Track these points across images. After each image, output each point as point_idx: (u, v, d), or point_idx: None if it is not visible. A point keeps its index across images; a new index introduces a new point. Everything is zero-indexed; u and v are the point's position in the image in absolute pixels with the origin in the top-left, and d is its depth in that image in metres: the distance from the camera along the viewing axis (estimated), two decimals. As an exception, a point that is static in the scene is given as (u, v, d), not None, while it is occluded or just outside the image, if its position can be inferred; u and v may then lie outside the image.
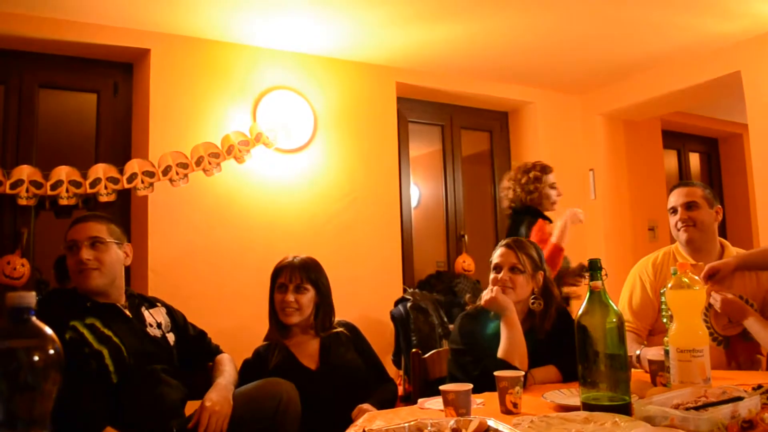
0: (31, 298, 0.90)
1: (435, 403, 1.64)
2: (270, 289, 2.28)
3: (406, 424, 1.19)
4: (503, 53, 3.89)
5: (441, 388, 1.49)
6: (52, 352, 0.87)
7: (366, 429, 1.20)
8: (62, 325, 1.87)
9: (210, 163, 3.24)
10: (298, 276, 2.24)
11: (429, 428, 1.18)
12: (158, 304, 2.16)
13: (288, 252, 2.36)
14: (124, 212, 3.31)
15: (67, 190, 2.96)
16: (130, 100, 3.47)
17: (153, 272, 3.14)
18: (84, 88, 3.41)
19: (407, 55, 3.84)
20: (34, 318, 0.89)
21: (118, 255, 2.06)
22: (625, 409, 1.33)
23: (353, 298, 3.40)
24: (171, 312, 2.17)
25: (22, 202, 2.91)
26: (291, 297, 2.20)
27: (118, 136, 3.41)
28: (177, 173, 3.15)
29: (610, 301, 1.45)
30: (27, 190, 2.89)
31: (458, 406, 1.43)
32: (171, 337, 2.10)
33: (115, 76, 3.46)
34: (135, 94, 3.46)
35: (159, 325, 2.09)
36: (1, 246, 3.03)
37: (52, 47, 3.21)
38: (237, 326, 2.97)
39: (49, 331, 0.89)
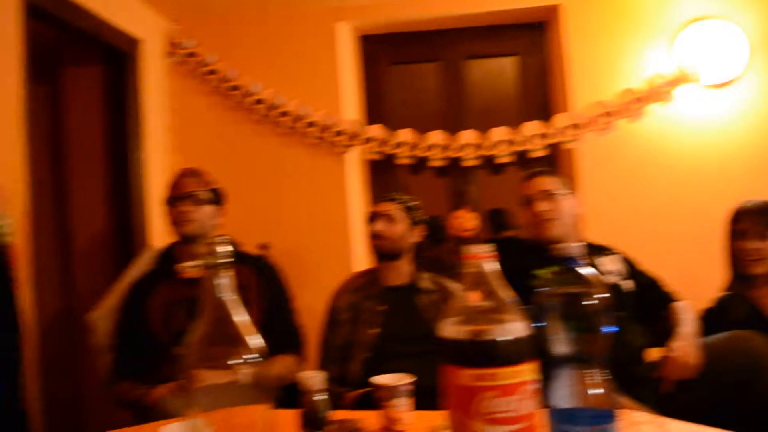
0: (577, 249, 1.00)
1: None
2: (727, 236, 2.13)
3: None
4: None
5: None
6: (602, 296, 0.96)
7: None
8: (525, 274, 2.05)
9: (633, 109, 3.17)
10: (761, 221, 2.05)
11: None
12: (613, 253, 2.22)
13: (726, 195, 2.16)
14: (552, 166, 3.46)
15: (503, 149, 3.25)
16: (546, 58, 3.59)
17: (587, 224, 3.23)
18: (504, 53, 3.65)
19: None
20: (580, 267, 1.00)
21: (571, 205, 2.17)
22: None
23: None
24: (626, 260, 2.20)
25: (467, 163, 3.30)
26: (758, 245, 2.03)
27: (539, 93, 3.57)
28: (601, 123, 3.16)
29: None
30: (470, 153, 3.27)
31: None
32: (628, 284, 2.13)
33: (530, 37, 3.61)
34: (550, 51, 3.56)
35: (615, 273, 2.14)
36: (453, 203, 3.49)
37: (472, 20, 3.51)
38: (677, 275, 2.87)
39: (597, 277, 0.99)
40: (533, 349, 0.79)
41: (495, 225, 3.72)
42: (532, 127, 3.25)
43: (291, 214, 3.39)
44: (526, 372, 0.77)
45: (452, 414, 0.78)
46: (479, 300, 0.79)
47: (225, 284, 0.91)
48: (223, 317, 0.91)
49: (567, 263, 1.00)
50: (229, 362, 0.89)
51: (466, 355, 0.75)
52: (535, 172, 2.25)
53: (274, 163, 3.42)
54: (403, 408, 1.44)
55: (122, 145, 3.18)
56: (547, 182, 2.18)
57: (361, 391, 2.05)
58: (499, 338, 0.75)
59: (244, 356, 0.89)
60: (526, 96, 3.58)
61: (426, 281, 2.32)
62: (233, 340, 0.90)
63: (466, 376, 0.75)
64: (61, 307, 3.48)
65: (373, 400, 1.69)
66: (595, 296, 0.94)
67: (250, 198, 3.29)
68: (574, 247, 1.00)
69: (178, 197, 2.22)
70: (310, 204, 3.38)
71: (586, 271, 0.94)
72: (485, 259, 0.79)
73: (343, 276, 2.76)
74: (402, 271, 2.32)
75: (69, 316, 3.40)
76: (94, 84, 3.25)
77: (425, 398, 1.44)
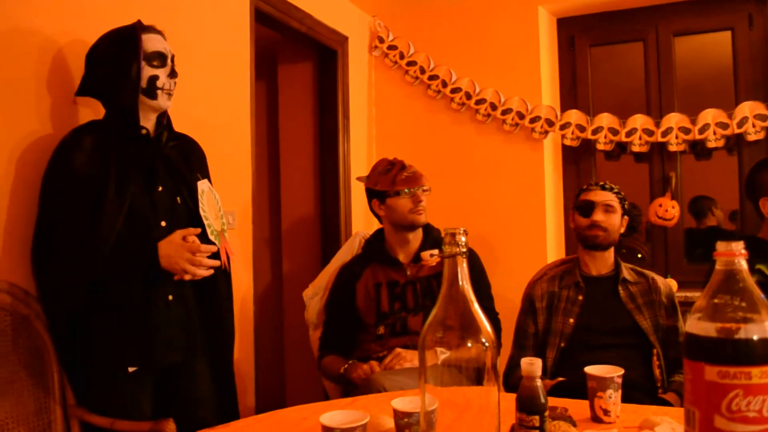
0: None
1: None
2: None
3: None
4: None
5: None
6: None
7: None
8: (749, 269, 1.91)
9: None
10: None
11: None
12: None
13: None
14: (771, 150, 3.16)
15: (714, 133, 3.02)
16: (763, 30, 3.25)
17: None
18: (716, 27, 3.37)
19: None
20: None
21: None
22: None
23: None
24: None
25: (672, 148, 3.12)
26: None
27: (758, 69, 3.25)
28: (836, 102, 2.82)
29: None
30: (676, 137, 3.08)
31: None
32: None
33: (746, 8, 3.30)
34: (774, 21, 3.22)
35: None
36: (654, 190, 3.33)
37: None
38: None
39: None
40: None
41: (696, 214, 3.51)
42: (749, 108, 2.98)
43: (486, 201, 3.43)
44: (778, 372, 0.75)
45: (696, 410, 0.77)
46: (725, 297, 0.78)
47: (463, 272, 0.97)
48: (460, 303, 0.97)
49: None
50: (461, 346, 0.94)
51: (719, 352, 0.74)
52: None
53: (470, 150, 3.48)
54: (613, 400, 1.43)
55: (331, 137, 3.43)
56: None
57: (555, 380, 2.05)
58: (756, 336, 0.74)
59: (476, 341, 0.94)
60: (742, 74, 3.28)
61: (628, 272, 2.25)
62: (467, 326, 0.96)
63: (717, 373, 0.74)
64: (271, 286, 3.86)
65: (570, 390, 1.69)
66: None
67: (447, 185, 3.39)
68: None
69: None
70: (505, 191, 3.40)
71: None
72: (738, 257, 0.77)
73: (536, 265, 2.75)
74: (604, 261, 2.28)
75: (278, 293, 3.77)
76: (306, 80, 3.54)
77: (624, 390, 1.44)
